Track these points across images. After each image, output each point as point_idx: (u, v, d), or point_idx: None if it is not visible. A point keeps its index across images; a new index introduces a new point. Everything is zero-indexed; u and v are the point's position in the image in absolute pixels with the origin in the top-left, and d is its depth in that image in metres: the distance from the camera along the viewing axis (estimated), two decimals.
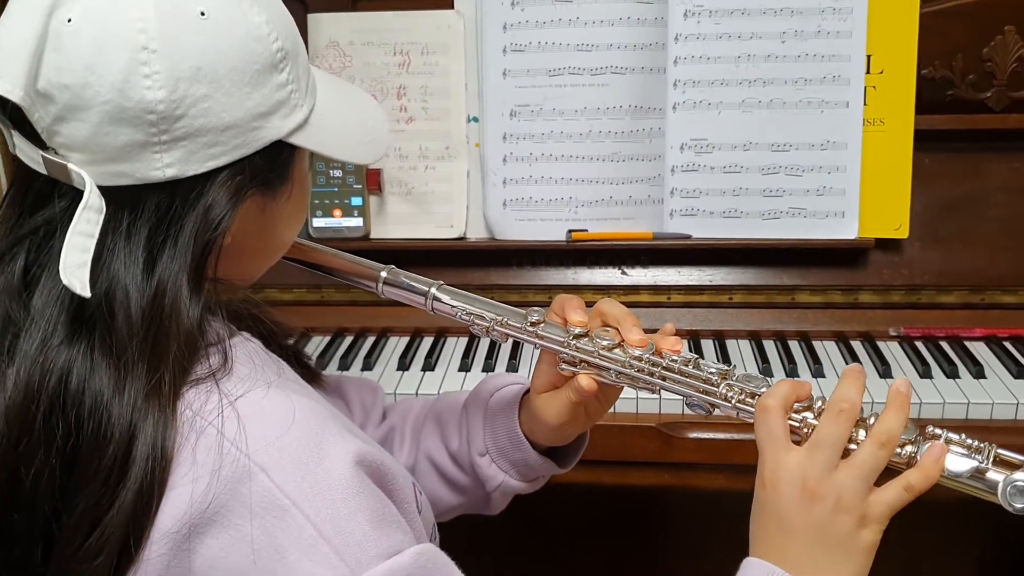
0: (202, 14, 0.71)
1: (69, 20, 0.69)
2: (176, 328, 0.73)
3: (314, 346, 1.60)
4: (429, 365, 1.52)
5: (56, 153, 0.72)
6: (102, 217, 0.71)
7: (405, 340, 1.62)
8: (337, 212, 1.63)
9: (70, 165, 0.71)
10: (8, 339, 0.74)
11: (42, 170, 0.73)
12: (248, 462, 0.70)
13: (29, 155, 0.73)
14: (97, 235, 0.70)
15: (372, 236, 1.65)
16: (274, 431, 0.72)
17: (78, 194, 0.70)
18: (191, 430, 0.71)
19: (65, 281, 0.68)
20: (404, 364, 1.52)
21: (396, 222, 1.66)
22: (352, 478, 0.72)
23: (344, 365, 1.53)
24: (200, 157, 0.73)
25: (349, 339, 1.63)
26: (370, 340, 1.62)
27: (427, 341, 1.61)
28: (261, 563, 0.69)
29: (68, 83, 0.69)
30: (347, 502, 0.71)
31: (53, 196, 0.74)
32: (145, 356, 0.72)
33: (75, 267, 0.69)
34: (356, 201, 1.63)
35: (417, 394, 1.45)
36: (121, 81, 0.69)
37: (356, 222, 1.64)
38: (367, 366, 1.53)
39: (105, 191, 0.71)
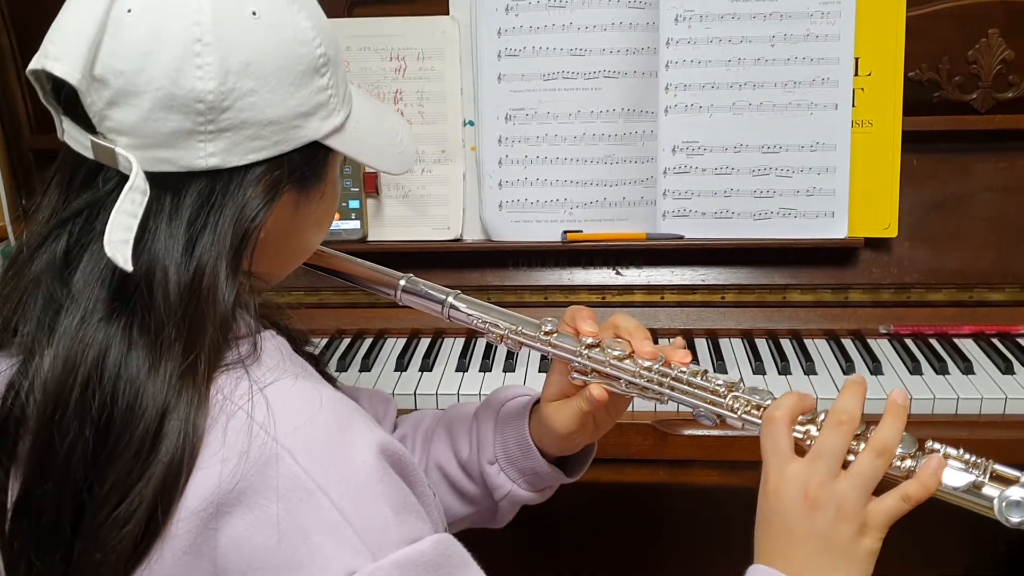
0: (254, 14, 0.75)
1: (129, 10, 0.72)
2: (212, 311, 0.75)
3: (312, 348, 1.61)
4: (427, 366, 1.54)
5: (104, 138, 0.75)
6: (146, 199, 0.73)
7: (403, 341, 1.63)
8: (335, 215, 1.65)
9: (117, 149, 0.74)
10: (49, 315, 0.76)
11: (89, 154, 0.76)
12: (276, 445, 0.72)
13: (78, 139, 0.76)
14: (140, 216, 0.73)
15: (369, 238, 1.67)
16: (302, 417, 0.74)
17: (123, 179, 0.73)
18: (221, 412, 0.74)
19: (109, 254, 0.71)
20: (402, 365, 1.54)
21: (393, 224, 1.68)
22: (376, 466, 0.75)
23: (342, 366, 1.55)
24: (242, 149, 0.76)
25: (347, 340, 1.65)
26: (368, 341, 1.64)
27: (424, 342, 1.63)
28: (285, 544, 0.71)
29: (124, 69, 0.72)
30: (371, 488, 0.74)
31: (98, 181, 0.77)
32: (182, 336, 0.74)
33: (119, 242, 0.71)
34: (354, 204, 1.65)
35: (415, 394, 1.47)
36: (174, 70, 0.72)
37: (354, 225, 1.66)
38: (365, 367, 1.55)
39: (149, 176, 0.74)
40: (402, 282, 1.00)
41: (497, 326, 0.97)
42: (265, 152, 0.77)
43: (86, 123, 0.75)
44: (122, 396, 0.73)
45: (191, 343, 0.74)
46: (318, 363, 0.98)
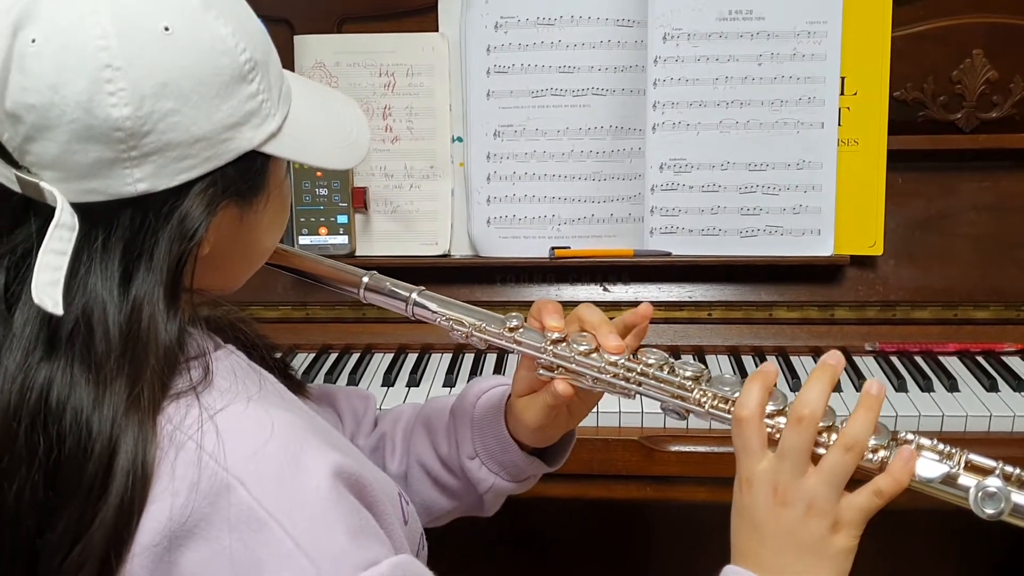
0: (166, 29, 0.70)
1: (33, 41, 0.68)
2: (154, 343, 0.73)
3: (299, 363, 1.61)
4: (414, 381, 1.54)
5: (29, 172, 0.72)
6: (75, 234, 0.71)
7: (390, 356, 1.63)
8: (323, 230, 1.65)
9: (42, 183, 0.71)
10: None
11: (17, 189, 0.73)
12: (226, 475, 0.71)
13: (3, 174, 0.73)
14: (70, 252, 0.70)
15: (357, 253, 1.67)
16: (252, 444, 0.72)
17: (53, 212, 0.70)
18: (171, 444, 0.72)
19: (36, 300, 0.68)
20: (389, 380, 1.54)
21: (381, 240, 1.68)
22: (330, 490, 0.73)
23: (329, 381, 1.54)
24: (171, 171, 0.72)
25: (334, 356, 1.64)
26: (355, 357, 1.64)
27: (412, 357, 1.63)
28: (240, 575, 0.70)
29: (34, 103, 0.69)
30: (325, 514, 0.72)
31: (29, 215, 0.74)
32: (124, 371, 0.72)
33: (47, 285, 0.69)
34: (342, 219, 1.65)
35: None
36: (86, 100, 0.69)
37: (342, 240, 1.66)
38: (352, 382, 1.54)
39: (78, 208, 0.71)
40: (365, 279, 0.97)
41: (461, 323, 0.94)
42: (196, 170, 0.73)
43: (9, 157, 0.72)
44: (68, 436, 0.71)
45: (134, 377, 0.72)
46: (285, 369, 0.97)
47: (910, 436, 0.80)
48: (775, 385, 0.84)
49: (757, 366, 1.53)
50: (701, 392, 0.87)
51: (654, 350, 0.92)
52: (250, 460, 0.72)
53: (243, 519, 0.70)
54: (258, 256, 0.88)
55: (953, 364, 1.56)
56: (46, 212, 0.72)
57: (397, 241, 1.68)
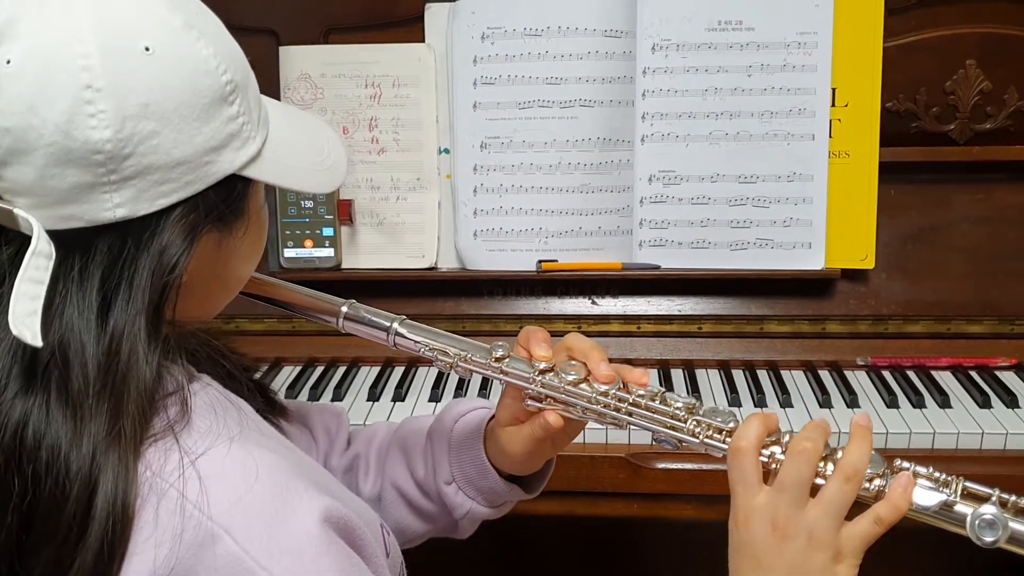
0: (147, 49, 0.69)
1: (8, 61, 0.67)
2: (135, 377, 0.71)
3: (284, 376, 1.60)
4: (399, 396, 1.52)
5: (1, 199, 0.70)
6: (52, 263, 0.68)
7: (376, 370, 1.62)
8: (308, 243, 1.63)
9: (16, 210, 0.69)
10: None
11: None
12: (211, 524, 0.68)
13: None
14: (47, 282, 0.68)
15: (343, 266, 1.66)
16: (237, 491, 0.70)
17: (26, 240, 0.68)
18: (151, 492, 0.69)
19: (15, 332, 0.66)
20: (374, 395, 1.52)
21: (367, 252, 1.66)
22: (319, 536, 0.71)
23: (314, 396, 1.53)
24: (151, 195, 0.71)
25: (320, 369, 1.63)
26: (340, 370, 1.62)
27: (398, 371, 1.61)
28: None
29: (10, 126, 0.67)
30: (315, 562, 0.70)
31: (0, 243, 0.72)
32: (103, 406, 0.70)
33: (25, 316, 0.67)
34: (327, 232, 1.64)
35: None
36: (65, 122, 0.66)
37: (327, 252, 1.64)
38: (337, 396, 1.53)
39: (55, 235, 0.69)
40: (344, 308, 0.96)
41: (446, 353, 0.93)
42: (176, 195, 0.72)
43: None
44: (46, 476, 0.69)
45: (114, 412, 0.70)
46: (263, 391, 0.95)
47: (906, 464, 0.81)
48: (777, 428, 0.84)
49: (748, 381, 1.54)
50: (695, 423, 0.86)
51: None
52: (235, 507, 0.69)
53: (231, 569, 0.68)
54: (234, 284, 0.86)
55: (946, 379, 1.54)
56: (19, 240, 0.70)
57: (383, 254, 1.66)
